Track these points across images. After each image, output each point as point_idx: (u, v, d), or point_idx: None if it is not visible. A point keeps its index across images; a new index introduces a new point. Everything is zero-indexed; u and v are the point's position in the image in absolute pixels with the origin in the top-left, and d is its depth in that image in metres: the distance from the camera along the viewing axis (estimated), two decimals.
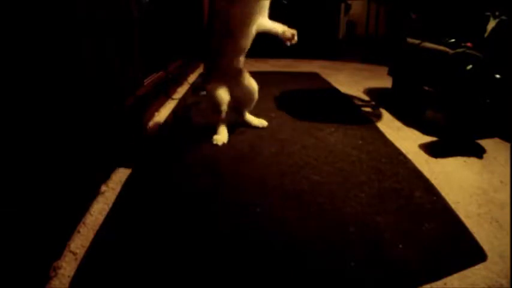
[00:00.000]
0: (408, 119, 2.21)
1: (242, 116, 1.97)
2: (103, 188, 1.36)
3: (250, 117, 1.99)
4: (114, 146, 1.54)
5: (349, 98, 2.75)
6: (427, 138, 1.93)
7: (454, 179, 1.51)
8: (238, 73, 1.80)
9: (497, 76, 1.79)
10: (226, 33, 1.65)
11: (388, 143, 1.84)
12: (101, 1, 1.46)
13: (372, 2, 4.60)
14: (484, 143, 1.88)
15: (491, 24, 1.98)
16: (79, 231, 1.12)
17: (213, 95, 1.75)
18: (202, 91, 1.99)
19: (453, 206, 1.30)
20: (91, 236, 1.10)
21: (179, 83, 2.96)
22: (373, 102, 2.67)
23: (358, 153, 1.70)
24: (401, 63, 2.55)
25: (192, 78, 3.31)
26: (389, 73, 2.72)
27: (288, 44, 1.76)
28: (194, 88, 2.39)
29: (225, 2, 1.61)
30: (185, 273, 0.97)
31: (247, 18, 1.65)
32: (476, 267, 1.01)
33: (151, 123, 2.05)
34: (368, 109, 2.51)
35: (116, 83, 1.65)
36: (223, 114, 1.79)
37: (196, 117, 2.14)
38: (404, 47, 2.46)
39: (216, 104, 1.75)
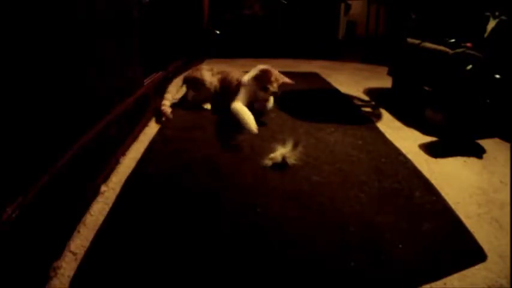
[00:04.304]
0: (408, 119, 2.21)
1: None
2: (103, 188, 1.36)
3: None
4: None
5: (349, 98, 2.75)
6: (427, 138, 1.93)
7: (454, 179, 1.51)
8: None
9: (497, 76, 1.79)
10: None
11: (388, 143, 1.84)
12: (101, 1, 1.46)
13: (372, 2, 4.60)
14: (484, 143, 1.88)
15: (491, 24, 1.98)
16: (79, 231, 1.12)
17: None
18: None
19: (453, 206, 1.30)
20: (91, 236, 1.10)
21: None
22: (373, 102, 2.66)
23: (358, 153, 1.70)
24: (401, 63, 2.55)
25: None
26: (389, 73, 2.72)
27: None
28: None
29: None
30: (185, 273, 0.97)
31: None
32: (476, 267, 1.01)
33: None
34: (368, 109, 2.51)
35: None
36: None
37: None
38: (404, 47, 2.46)
39: None
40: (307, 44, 4.57)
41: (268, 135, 1.87)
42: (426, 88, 2.13)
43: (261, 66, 1.92)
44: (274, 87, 1.91)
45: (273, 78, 1.89)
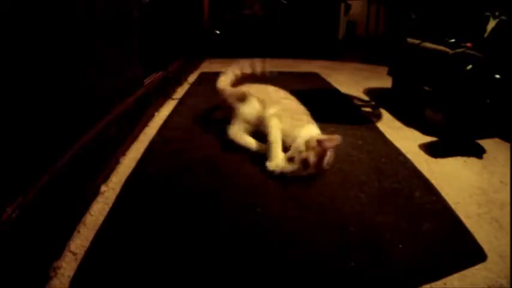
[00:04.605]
0: (408, 119, 2.21)
1: None
2: (103, 188, 1.36)
3: None
4: None
5: (349, 98, 2.75)
6: (427, 138, 1.93)
7: (454, 179, 1.51)
8: None
9: (497, 76, 1.79)
10: None
11: (388, 143, 1.84)
12: (101, 1, 1.46)
13: (372, 2, 4.60)
14: (484, 143, 1.88)
15: (491, 24, 1.98)
16: (79, 231, 1.12)
17: None
18: None
19: (453, 206, 1.30)
20: (91, 236, 1.10)
21: (179, 83, 2.97)
22: (373, 102, 2.67)
23: (358, 153, 1.70)
24: (401, 63, 2.55)
25: (192, 78, 3.31)
26: (389, 73, 2.72)
27: None
28: None
29: None
30: (185, 273, 0.97)
31: None
32: (476, 267, 1.01)
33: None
34: (368, 109, 2.51)
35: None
36: None
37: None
38: (404, 47, 2.46)
39: None
40: (307, 44, 4.58)
41: None
42: (426, 88, 2.13)
43: (335, 136, 1.38)
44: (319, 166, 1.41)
45: (325, 158, 1.41)
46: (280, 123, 1.56)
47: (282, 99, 1.74)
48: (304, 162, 1.37)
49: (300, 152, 1.40)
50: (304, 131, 1.51)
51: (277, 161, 1.46)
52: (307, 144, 1.40)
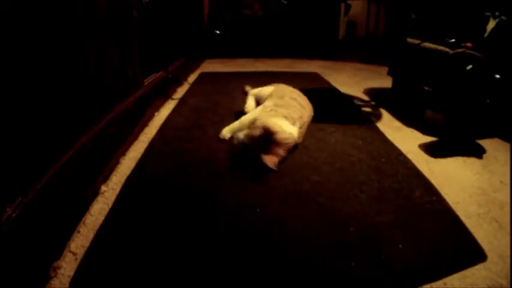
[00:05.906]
0: (408, 119, 2.21)
1: None
2: (103, 188, 1.36)
3: None
4: None
5: (349, 98, 2.75)
6: (427, 138, 1.93)
7: (454, 179, 1.51)
8: None
9: (497, 76, 1.79)
10: None
11: (388, 143, 1.84)
12: (101, 1, 1.46)
13: (372, 2, 4.60)
14: (484, 143, 1.88)
15: (491, 24, 1.98)
16: (79, 231, 1.12)
17: None
18: None
19: (453, 206, 1.30)
20: (91, 236, 1.10)
21: (179, 83, 2.97)
22: (373, 102, 2.66)
23: (358, 153, 1.70)
24: (401, 63, 2.55)
25: (192, 78, 3.31)
26: (389, 73, 2.72)
27: None
28: None
29: None
30: (185, 273, 0.97)
31: None
32: (476, 267, 1.01)
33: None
34: (368, 109, 2.51)
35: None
36: None
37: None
38: (404, 47, 2.46)
39: None
40: (307, 44, 4.57)
41: None
42: (426, 88, 2.13)
43: (288, 135, 1.54)
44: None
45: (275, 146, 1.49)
46: (264, 112, 1.69)
47: (289, 97, 1.85)
48: (244, 139, 1.54)
49: (249, 129, 1.57)
50: (273, 119, 1.59)
51: (227, 128, 1.80)
52: (253, 123, 1.57)
